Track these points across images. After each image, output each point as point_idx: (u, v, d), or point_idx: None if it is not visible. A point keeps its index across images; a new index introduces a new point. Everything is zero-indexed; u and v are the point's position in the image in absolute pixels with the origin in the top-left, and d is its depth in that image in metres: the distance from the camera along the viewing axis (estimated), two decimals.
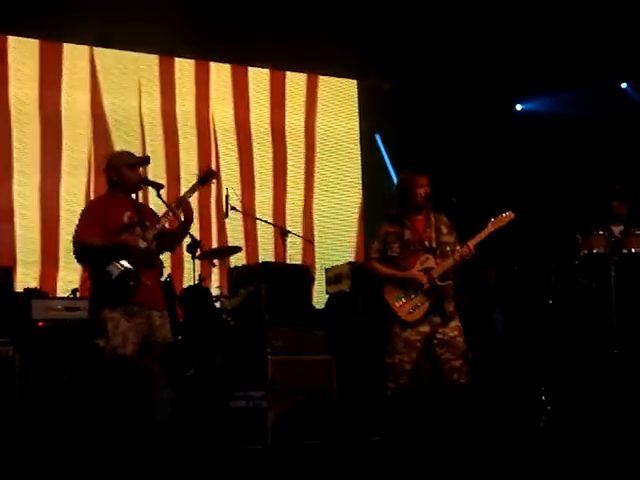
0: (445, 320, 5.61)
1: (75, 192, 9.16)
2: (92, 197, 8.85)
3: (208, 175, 5.60)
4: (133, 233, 5.27)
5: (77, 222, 5.39)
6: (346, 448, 5.87)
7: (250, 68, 10.22)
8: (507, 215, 5.72)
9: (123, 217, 5.31)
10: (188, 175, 9.16)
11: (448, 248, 5.68)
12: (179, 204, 5.37)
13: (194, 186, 5.54)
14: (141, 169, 5.70)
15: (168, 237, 5.49)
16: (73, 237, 5.33)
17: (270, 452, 6.03)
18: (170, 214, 5.35)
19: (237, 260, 8.65)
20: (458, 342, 5.60)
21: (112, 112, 9.52)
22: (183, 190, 5.62)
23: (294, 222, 10.14)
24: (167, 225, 5.47)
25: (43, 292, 7.54)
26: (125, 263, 5.14)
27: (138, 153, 6.76)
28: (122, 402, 1.84)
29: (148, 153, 8.97)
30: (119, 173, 5.40)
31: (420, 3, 9.41)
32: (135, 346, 5.15)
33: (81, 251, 5.30)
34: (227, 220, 8.87)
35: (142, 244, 5.23)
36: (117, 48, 9.55)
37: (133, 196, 5.50)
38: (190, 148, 9.87)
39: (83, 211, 5.48)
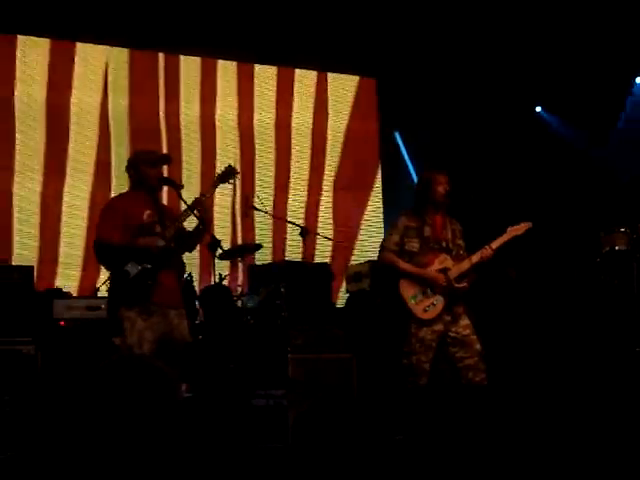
0: (454, 318, 5.61)
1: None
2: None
3: (228, 173, 5.59)
4: (153, 231, 5.30)
5: (98, 221, 5.44)
6: (367, 447, 5.86)
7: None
8: (525, 225, 5.72)
9: (143, 215, 5.32)
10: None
11: (461, 252, 5.71)
12: (195, 205, 5.38)
13: (213, 184, 5.56)
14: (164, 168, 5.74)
15: (187, 237, 5.50)
16: (95, 232, 5.37)
17: (291, 450, 6.03)
18: (188, 213, 5.37)
19: (262, 257, 8.71)
20: (471, 340, 5.59)
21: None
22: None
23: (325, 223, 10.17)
24: (185, 225, 5.48)
25: (64, 292, 7.59)
26: (143, 263, 5.17)
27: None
28: (135, 402, 1.85)
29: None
30: (139, 171, 5.43)
31: (442, 3, 9.37)
32: (152, 344, 5.15)
33: (101, 248, 5.31)
34: (252, 219, 8.90)
35: (160, 243, 5.25)
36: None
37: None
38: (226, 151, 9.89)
39: (103, 209, 5.49)
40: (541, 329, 7.29)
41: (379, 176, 10.72)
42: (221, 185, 5.58)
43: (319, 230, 9.80)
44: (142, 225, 5.29)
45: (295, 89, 10.38)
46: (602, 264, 6.47)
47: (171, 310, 5.28)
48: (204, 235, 5.59)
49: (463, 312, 5.67)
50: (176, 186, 5.69)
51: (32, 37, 9.17)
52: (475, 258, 5.64)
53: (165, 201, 6.87)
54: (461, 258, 5.69)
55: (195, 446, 5.39)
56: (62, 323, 6.79)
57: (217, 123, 9.96)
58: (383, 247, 5.74)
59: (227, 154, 9.89)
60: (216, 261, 7.69)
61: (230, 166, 5.66)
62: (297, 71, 10.39)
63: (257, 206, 8.08)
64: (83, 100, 9.37)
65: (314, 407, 6.32)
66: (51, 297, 7.02)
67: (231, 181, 5.65)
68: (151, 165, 5.44)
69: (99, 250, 5.33)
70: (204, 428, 5.68)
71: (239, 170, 5.86)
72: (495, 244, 5.63)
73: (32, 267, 7.15)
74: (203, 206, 5.40)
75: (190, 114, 9.85)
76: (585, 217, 8.54)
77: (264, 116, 10.22)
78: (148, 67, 9.70)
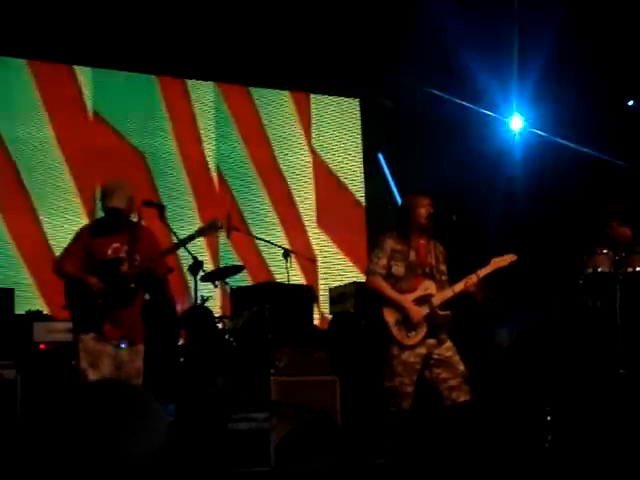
0: (439, 342, 5.59)
1: None
2: None
3: (211, 226, 5.59)
4: (116, 269, 5.31)
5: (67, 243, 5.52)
6: (349, 470, 5.83)
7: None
8: (509, 257, 5.71)
9: (108, 250, 5.34)
10: None
11: (444, 278, 5.69)
12: (152, 259, 5.40)
13: (193, 235, 5.56)
14: None
15: (151, 281, 5.54)
16: (56, 257, 5.46)
17: (273, 474, 5.99)
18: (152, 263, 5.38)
19: (240, 281, 8.64)
20: (455, 361, 5.57)
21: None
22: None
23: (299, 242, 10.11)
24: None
25: (44, 314, 7.52)
26: (95, 296, 5.25)
27: None
28: (109, 427, 1.83)
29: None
30: (104, 209, 5.43)
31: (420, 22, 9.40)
32: (108, 367, 5.23)
33: (57, 274, 5.47)
34: (229, 241, 8.83)
35: (100, 290, 5.26)
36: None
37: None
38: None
39: (74, 235, 5.53)
40: (524, 352, 7.29)
41: (363, 195, 10.69)
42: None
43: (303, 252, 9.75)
44: (104, 262, 5.30)
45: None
46: (585, 286, 6.47)
47: (123, 348, 5.33)
48: (159, 291, 5.70)
49: (447, 338, 5.65)
50: (157, 207, 5.69)
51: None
52: (458, 287, 5.62)
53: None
54: (444, 284, 5.67)
55: (177, 470, 5.34)
56: (42, 346, 6.72)
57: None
58: (370, 270, 5.70)
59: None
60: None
61: (215, 220, 5.65)
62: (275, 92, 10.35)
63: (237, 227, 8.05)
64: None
65: (297, 430, 6.30)
66: (31, 320, 6.96)
67: (217, 235, 5.66)
68: (127, 199, 5.42)
69: (56, 274, 5.48)
70: (185, 451, 5.63)
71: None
72: (481, 273, 5.61)
73: (12, 289, 7.10)
74: (153, 265, 5.40)
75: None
76: (568, 239, 8.56)
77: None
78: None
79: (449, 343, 5.63)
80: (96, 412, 1.84)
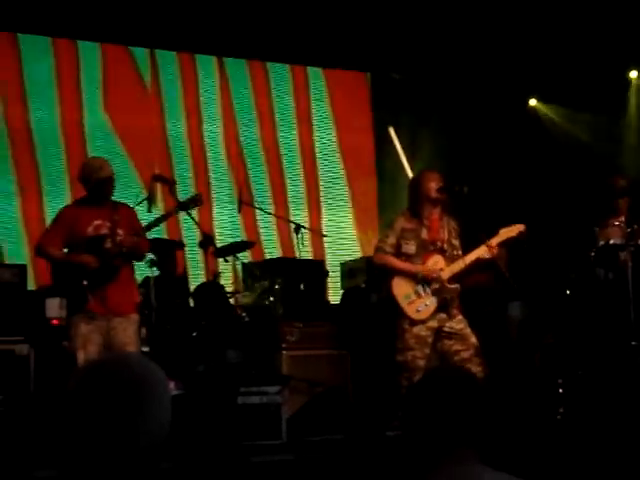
0: (449, 316, 5.59)
1: None
2: None
3: (192, 200, 5.62)
4: (100, 246, 5.34)
5: (47, 226, 5.55)
6: (361, 443, 5.84)
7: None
8: (517, 227, 5.70)
9: (89, 228, 5.38)
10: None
11: (455, 252, 5.67)
12: (138, 234, 5.46)
13: (173, 210, 5.67)
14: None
15: (135, 256, 5.63)
16: (37, 241, 5.48)
17: (285, 447, 6.01)
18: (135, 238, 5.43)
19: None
20: (466, 333, 5.58)
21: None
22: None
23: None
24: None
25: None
26: (80, 276, 5.28)
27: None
28: (123, 400, 1.79)
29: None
30: (91, 181, 5.43)
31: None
32: (97, 347, 5.30)
33: (41, 256, 5.56)
34: (240, 215, 8.80)
35: (94, 264, 5.29)
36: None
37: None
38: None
39: (54, 217, 5.60)
40: (536, 324, 7.27)
41: (374, 170, 10.62)
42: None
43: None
44: (89, 239, 5.31)
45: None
46: (597, 258, 6.44)
47: (114, 317, 5.36)
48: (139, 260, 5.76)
49: (459, 313, 5.65)
50: (168, 182, 5.70)
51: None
52: (469, 259, 5.61)
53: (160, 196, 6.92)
54: (455, 258, 5.66)
55: (187, 444, 5.36)
56: (55, 322, 6.74)
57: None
58: (377, 248, 5.72)
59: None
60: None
61: (197, 195, 5.73)
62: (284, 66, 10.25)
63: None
64: None
65: (309, 404, 6.31)
66: (43, 296, 6.98)
67: (195, 208, 5.69)
68: (105, 183, 5.43)
69: (40, 256, 5.57)
70: (195, 426, 5.66)
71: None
72: (492, 243, 5.61)
73: (25, 265, 7.10)
74: (137, 239, 5.44)
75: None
76: (580, 211, 8.51)
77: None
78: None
79: (460, 316, 5.63)
80: (91, 400, 1.78)
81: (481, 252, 5.62)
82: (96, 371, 1.83)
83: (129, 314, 5.46)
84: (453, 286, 5.61)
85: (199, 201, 5.64)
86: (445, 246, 5.68)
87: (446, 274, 5.59)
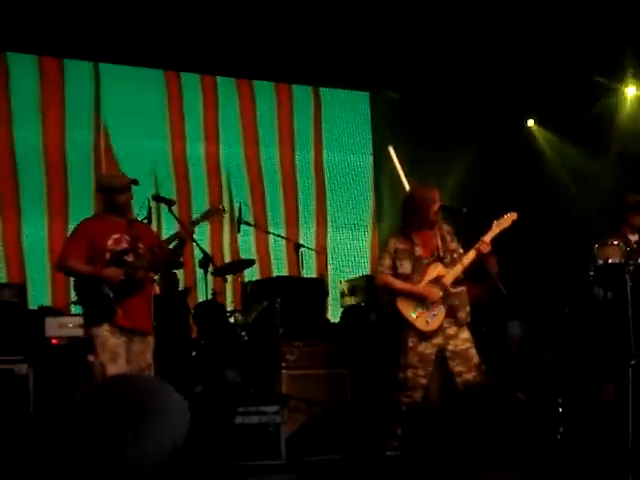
0: (457, 325, 5.59)
1: None
2: None
3: (213, 212, 5.67)
4: (122, 260, 5.36)
5: (65, 244, 5.56)
6: (361, 463, 5.82)
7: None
8: (510, 215, 5.71)
9: (108, 241, 5.37)
10: None
11: (455, 255, 5.67)
12: (160, 245, 5.49)
13: (196, 221, 5.66)
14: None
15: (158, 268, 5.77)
16: (59, 255, 5.44)
17: (284, 467, 5.99)
18: (157, 249, 5.45)
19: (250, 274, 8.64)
20: (470, 354, 5.57)
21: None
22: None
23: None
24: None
25: (56, 309, 7.54)
26: (105, 289, 5.27)
27: None
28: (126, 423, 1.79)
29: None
30: (108, 196, 5.43)
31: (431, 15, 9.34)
32: (125, 361, 5.27)
33: (68, 274, 5.59)
34: (239, 235, 8.82)
35: (121, 277, 5.30)
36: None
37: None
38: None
39: (73, 230, 5.55)
40: (535, 343, 7.27)
41: (372, 189, 10.66)
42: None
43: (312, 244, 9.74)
44: (112, 253, 5.35)
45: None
46: (595, 277, 6.43)
47: (135, 336, 5.35)
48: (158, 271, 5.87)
49: (467, 318, 5.64)
50: (167, 202, 5.73)
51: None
52: (467, 260, 5.62)
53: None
54: (456, 262, 5.64)
55: (186, 465, 5.35)
56: (54, 341, 6.74)
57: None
58: (378, 271, 5.75)
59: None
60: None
61: (218, 208, 5.78)
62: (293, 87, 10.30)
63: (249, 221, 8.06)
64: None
65: (308, 423, 6.30)
66: (43, 315, 6.98)
67: (216, 220, 5.74)
68: (119, 192, 5.44)
69: (62, 271, 5.58)
70: (194, 446, 5.65)
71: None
72: (486, 238, 5.62)
73: (24, 285, 7.11)
74: (164, 250, 5.48)
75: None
76: (578, 230, 8.53)
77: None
78: None
79: (466, 334, 5.62)
80: (114, 407, 1.78)
81: (477, 248, 5.61)
82: (100, 388, 1.84)
83: (148, 334, 5.46)
84: (458, 290, 5.62)
85: (222, 212, 5.77)
86: (442, 253, 5.67)
87: (448, 279, 5.59)
